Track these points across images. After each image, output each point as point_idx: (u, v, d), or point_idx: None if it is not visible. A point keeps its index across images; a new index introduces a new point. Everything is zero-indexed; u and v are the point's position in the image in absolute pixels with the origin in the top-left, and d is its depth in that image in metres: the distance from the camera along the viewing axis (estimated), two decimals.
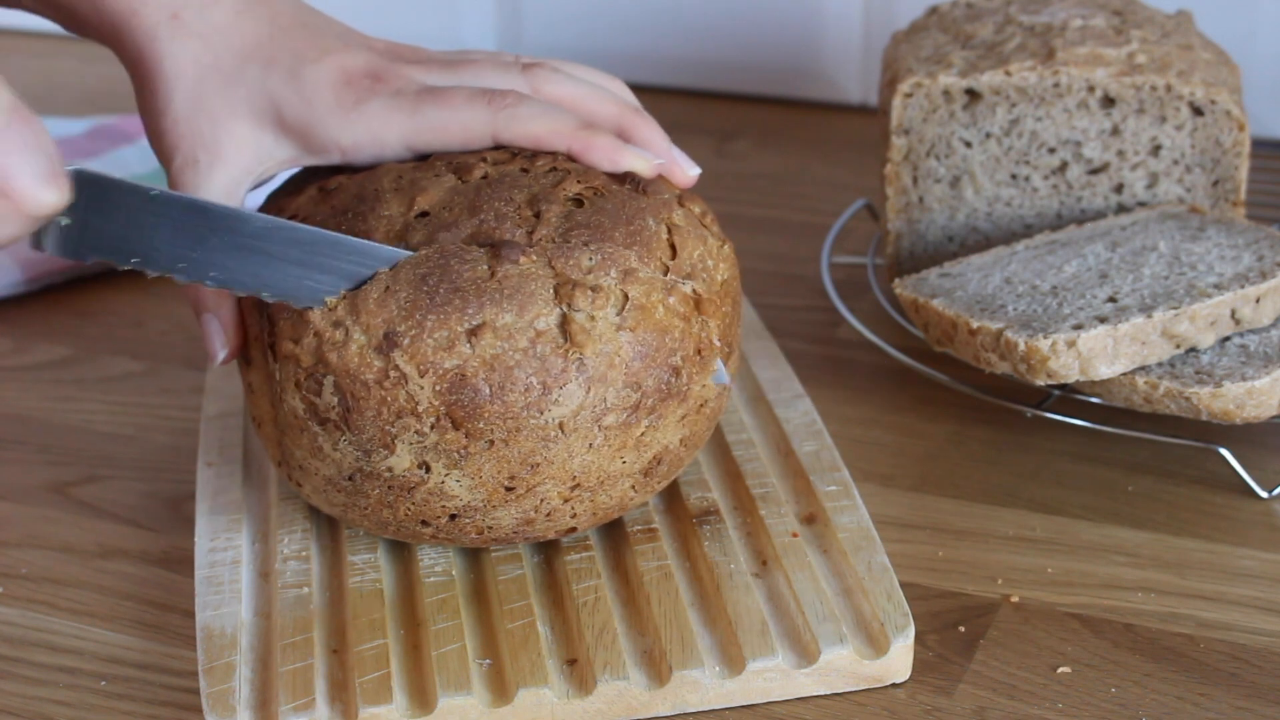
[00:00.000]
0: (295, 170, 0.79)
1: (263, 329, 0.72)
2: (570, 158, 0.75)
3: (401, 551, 0.78)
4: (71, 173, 0.66)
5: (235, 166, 0.75)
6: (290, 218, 0.74)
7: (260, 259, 0.70)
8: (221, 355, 0.75)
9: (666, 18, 1.41)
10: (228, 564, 0.77)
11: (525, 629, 0.72)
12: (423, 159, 0.76)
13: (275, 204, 0.77)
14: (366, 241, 0.70)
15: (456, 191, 0.73)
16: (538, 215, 0.71)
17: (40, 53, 1.53)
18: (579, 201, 0.72)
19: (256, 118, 0.75)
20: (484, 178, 0.73)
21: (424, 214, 0.72)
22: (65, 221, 0.67)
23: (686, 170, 0.77)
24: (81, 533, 0.84)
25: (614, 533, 0.78)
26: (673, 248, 0.72)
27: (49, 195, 0.62)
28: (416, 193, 0.73)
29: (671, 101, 1.38)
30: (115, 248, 0.69)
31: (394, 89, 0.75)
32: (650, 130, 0.77)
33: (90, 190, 0.67)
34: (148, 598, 0.79)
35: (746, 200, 1.21)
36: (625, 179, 0.74)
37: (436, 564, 0.76)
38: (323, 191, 0.75)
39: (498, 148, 0.76)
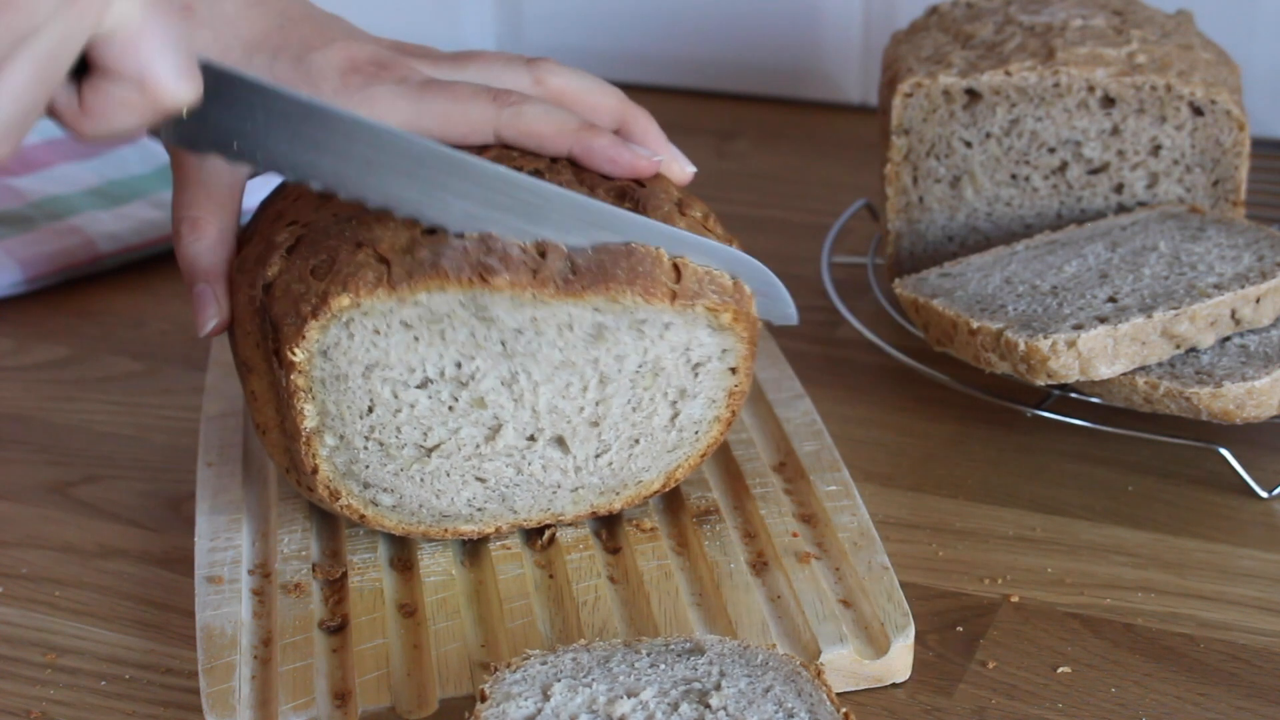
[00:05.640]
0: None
1: (266, 335, 0.72)
2: (575, 175, 0.74)
3: (402, 551, 0.78)
4: (200, 65, 0.66)
5: None
6: (290, 224, 0.74)
7: (385, 172, 0.69)
8: (212, 324, 0.75)
9: (667, 18, 1.41)
10: (228, 564, 0.77)
11: (525, 629, 0.72)
12: None
13: (273, 208, 0.77)
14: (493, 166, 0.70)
15: None
16: (543, 254, 0.70)
17: None
18: None
19: None
20: None
21: (432, 230, 0.71)
22: (185, 113, 0.67)
23: (684, 167, 0.77)
24: (81, 533, 0.84)
25: (614, 532, 0.78)
26: (676, 270, 0.72)
27: (184, 90, 0.62)
28: None
29: (671, 101, 1.38)
30: (228, 142, 0.69)
31: (399, 77, 0.76)
32: (649, 125, 0.78)
33: (213, 83, 0.67)
34: (148, 598, 0.79)
35: (746, 200, 1.21)
36: (625, 197, 0.74)
37: (436, 564, 0.76)
38: (323, 197, 0.75)
39: (495, 146, 0.75)
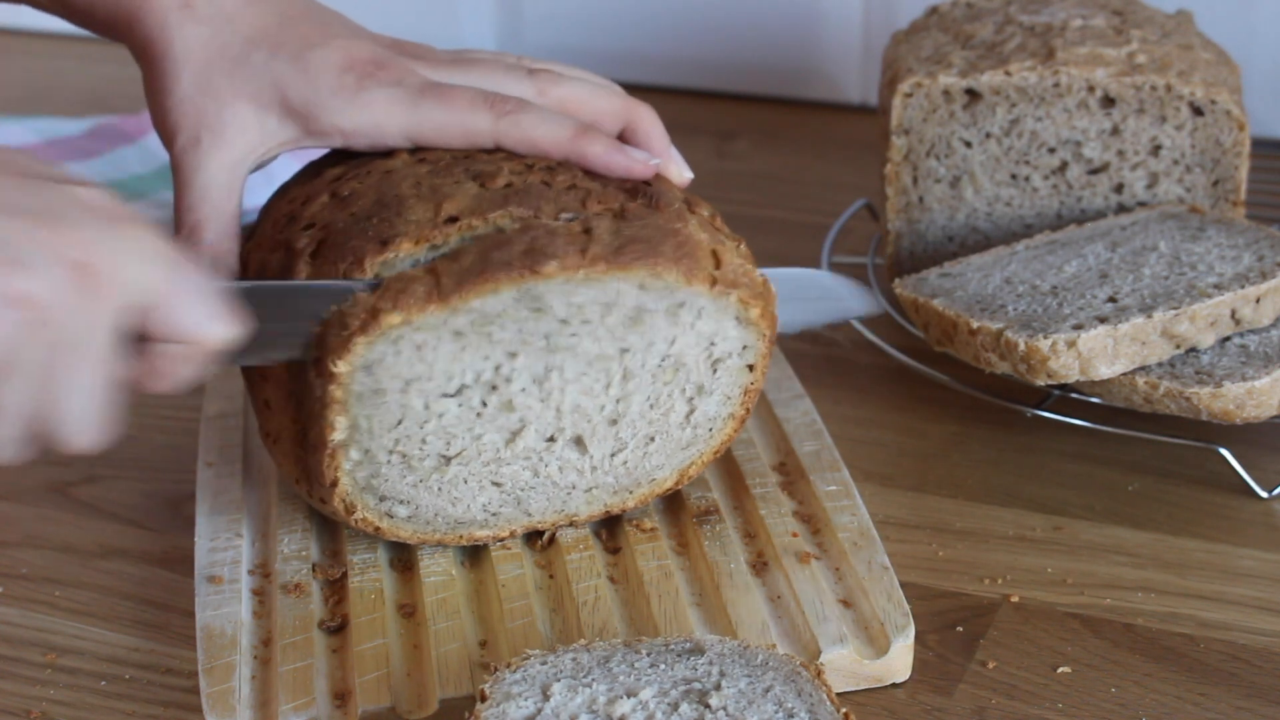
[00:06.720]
0: (298, 168, 0.79)
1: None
2: (587, 173, 0.74)
3: (402, 551, 0.78)
4: (233, 291, 0.67)
5: (237, 147, 0.76)
6: (307, 225, 0.74)
7: None
8: None
9: (667, 18, 1.41)
10: (228, 564, 0.77)
11: (525, 629, 0.72)
12: (424, 150, 0.76)
13: (280, 210, 0.76)
14: None
15: (483, 199, 0.72)
16: (588, 230, 0.70)
17: (40, 53, 1.53)
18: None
19: (261, 100, 0.75)
20: (509, 186, 0.72)
21: (453, 219, 0.71)
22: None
23: (681, 171, 0.77)
24: (81, 533, 0.84)
25: (614, 533, 0.78)
26: (716, 257, 0.72)
27: (224, 330, 0.64)
28: (441, 198, 0.72)
29: (671, 101, 1.38)
30: (292, 345, 0.70)
31: (396, 78, 0.76)
32: (652, 124, 0.78)
33: (253, 302, 0.69)
34: (148, 598, 0.79)
35: (746, 200, 1.21)
36: (637, 193, 0.74)
37: (436, 564, 0.76)
38: (337, 199, 0.74)
39: (500, 149, 0.75)
